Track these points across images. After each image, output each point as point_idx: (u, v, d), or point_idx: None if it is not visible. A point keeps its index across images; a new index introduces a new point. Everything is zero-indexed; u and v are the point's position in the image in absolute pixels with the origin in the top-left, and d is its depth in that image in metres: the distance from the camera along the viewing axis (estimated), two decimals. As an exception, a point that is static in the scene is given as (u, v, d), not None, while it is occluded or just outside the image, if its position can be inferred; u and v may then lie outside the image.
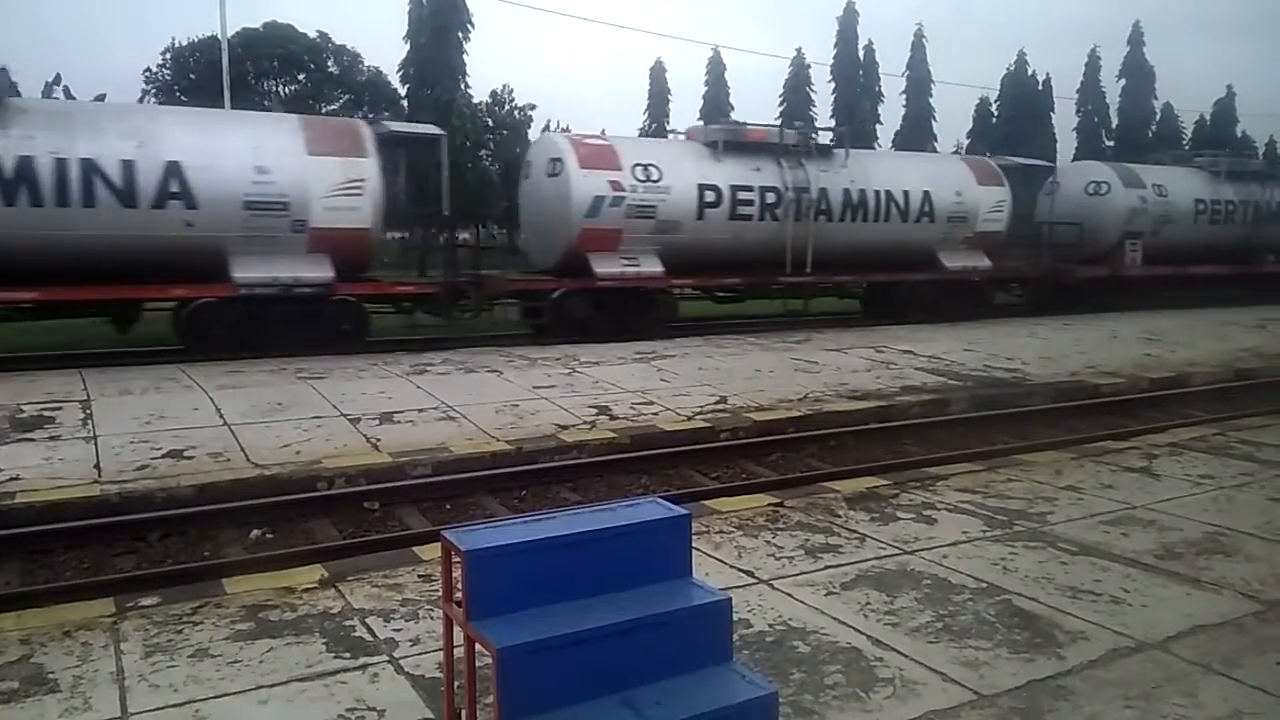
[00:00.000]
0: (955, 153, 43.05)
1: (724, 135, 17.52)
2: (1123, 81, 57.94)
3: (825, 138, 18.90)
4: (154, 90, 39.12)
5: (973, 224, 19.67)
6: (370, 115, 31.49)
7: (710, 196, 16.71)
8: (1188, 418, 11.24)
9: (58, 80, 37.05)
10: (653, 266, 16.36)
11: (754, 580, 5.25)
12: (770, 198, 17.28)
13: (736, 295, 18.42)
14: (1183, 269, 22.97)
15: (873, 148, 42.92)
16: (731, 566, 5.46)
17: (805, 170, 17.66)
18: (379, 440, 8.77)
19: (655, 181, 16.18)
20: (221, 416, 9.34)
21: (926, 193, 19.05)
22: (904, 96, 55.11)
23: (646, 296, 16.57)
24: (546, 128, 39.94)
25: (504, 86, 41.69)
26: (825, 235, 17.77)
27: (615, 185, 15.86)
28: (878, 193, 18.50)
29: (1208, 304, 22.28)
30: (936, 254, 19.35)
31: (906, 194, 18.82)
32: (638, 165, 16.17)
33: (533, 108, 42.31)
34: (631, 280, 16.23)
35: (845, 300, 20.78)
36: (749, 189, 17.10)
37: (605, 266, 15.92)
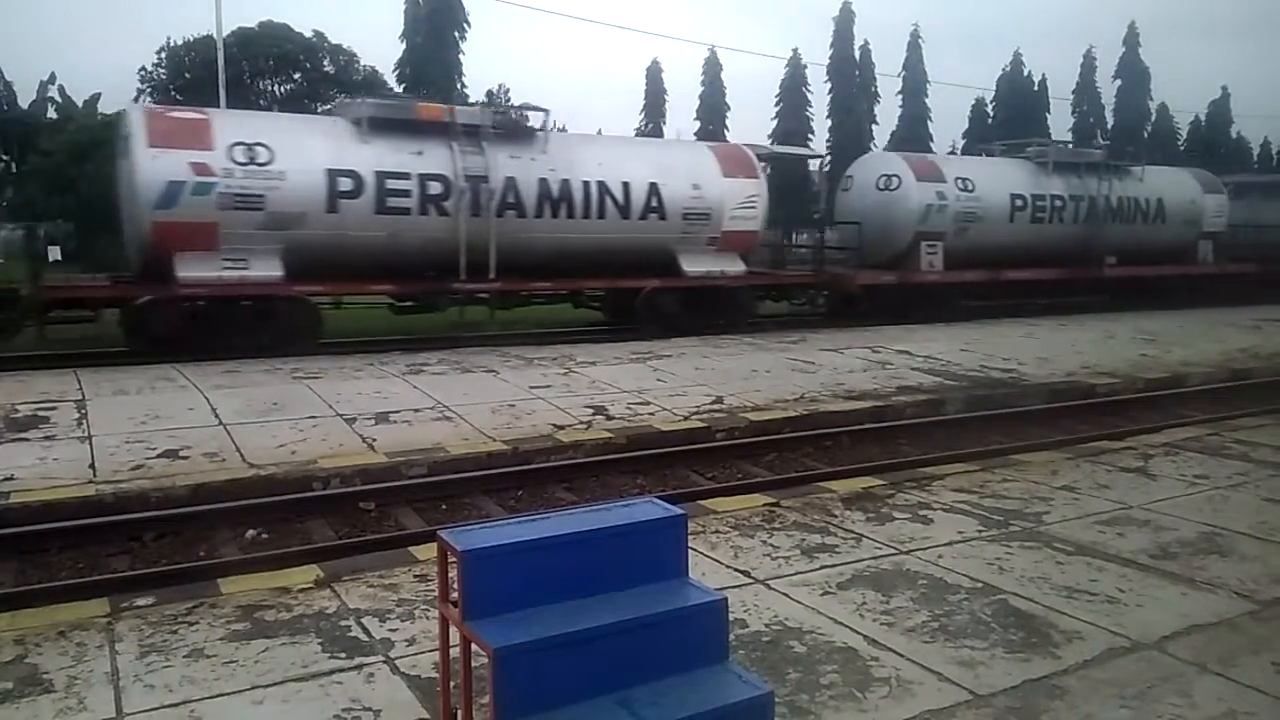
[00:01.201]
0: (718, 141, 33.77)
1: (374, 111, 14.40)
2: (1118, 82, 58.17)
3: (538, 120, 15.84)
4: (149, 90, 39.03)
5: (718, 221, 16.75)
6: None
7: (346, 185, 13.62)
8: (1183, 418, 11.26)
9: (52, 79, 36.94)
10: (269, 270, 13.27)
11: (750, 580, 5.25)
12: (435, 188, 14.20)
13: (419, 305, 15.40)
14: (998, 274, 20.20)
15: (807, 145, 41.01)
16: (727, 566, 5.46)
17: (486, 156, 14.63)
18: (375, 440, 8.76)
19: (263, 165, 13.08)
20: (217, 416, 9.33)
21: (654, 185, 16.10)
22: (900, 97, 55.25)
23: (264, 307, 13.36)
24: (544, 126, 39.89)
25: (500, 86, 41.80)
26: (516, 234, 14.88)
27: (201, 168, 12.71)
28: (586, 184, 15.48)
29: (1039, 314, 20.26)
30: (676, 257, 16.54)
31: (627, 186, 15.84)
32: (238, 144, 13.01)
33: (538, 109, 42.32)
34: (235, 287, 13.11)
35: (596, 310, 17.97)
36: (404, 176, 14.02)
37: (195, 270, 12.85)
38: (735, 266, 17.21)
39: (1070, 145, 26.06)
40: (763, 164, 18.28)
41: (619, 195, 15.83)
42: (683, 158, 17.47)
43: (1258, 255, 25.61)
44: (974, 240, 20.00)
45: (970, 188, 20.04)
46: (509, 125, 15.41)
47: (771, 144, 34.30)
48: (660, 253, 16.42)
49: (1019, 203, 20.70)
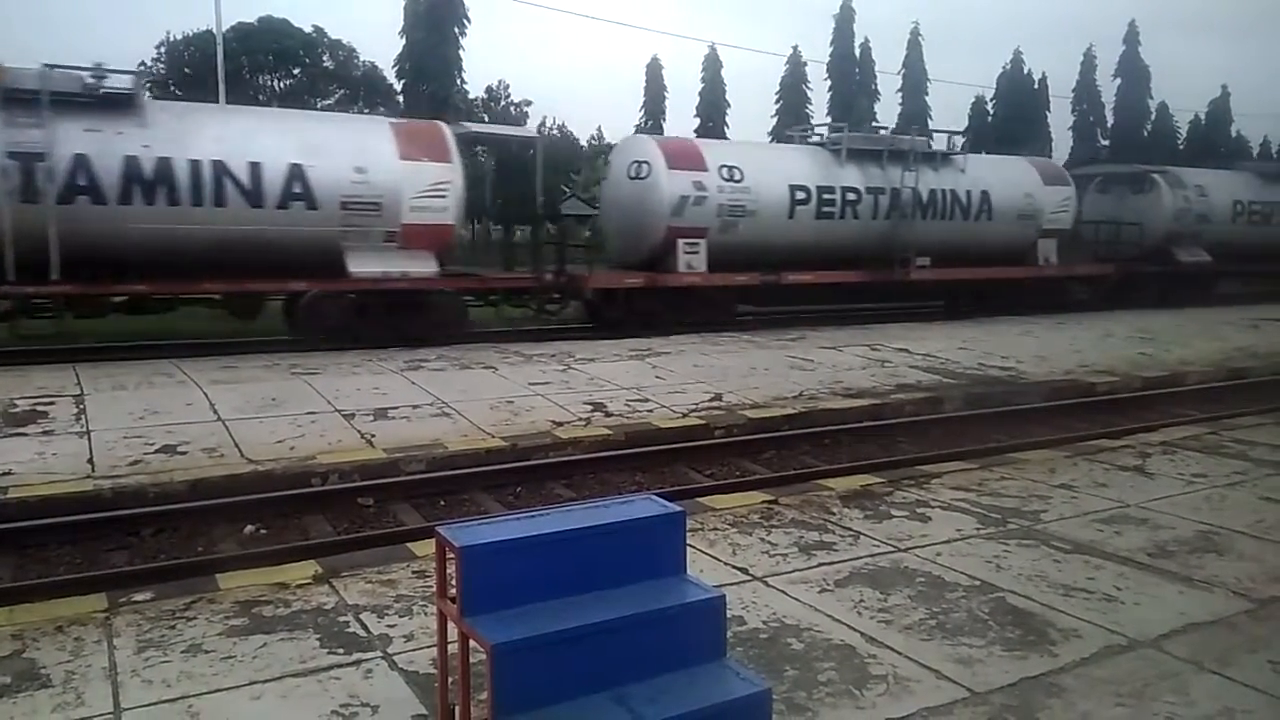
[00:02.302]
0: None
1: None
2: (1118, 81, 58.10)
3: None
4: (148, 85, 38.98)
5: (395, 214, 13.84)
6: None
7: None
8: (1181, 417, 11.27)
9: (51, 74, 36.85)
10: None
11: (748, 577, 5.26)
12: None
13: None
14: (778, 277, 17.58)
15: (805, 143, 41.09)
16: (726, 564, 5.46)
17: (47, 128, 11.92)
18: (373, 436, 8.76)
19: None
20: (215, 412, 9.32)
21: (296, 167, 13.20)
22: (900, 95, 55.18)
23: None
24: (542, 124, 39.89)
25: (500, 82, 41.81)
26: (94, 224, 12.24)
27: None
28: (196, 164, 12.65)
29: (820, 322, 17.89)
30: (344, 255, 13.65)
31: (257, 168, 12.96)
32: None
33: (529, 104, 42.38)
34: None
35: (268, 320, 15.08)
36: None
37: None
38: (424, 267, 14.21)
39: (881, 130, 22.68)
40: (480, 147, 15.83)
41: (244, 178, 12.97)
42: (342, 136, 14.26)
43: (1115, 255, 23.07)
44: (746, 237, 17.36)
45: (738, 177, 17.28)
46: (86, 91, 12.42)
47: (546, 128, 31.86)
48: (320, 250, 13.52)
49: (801, 195, 17.88)
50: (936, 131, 22.96)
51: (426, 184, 14.12)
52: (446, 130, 14.99)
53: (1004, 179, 20.86)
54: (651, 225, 16.90)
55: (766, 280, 17.56)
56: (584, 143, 52.50)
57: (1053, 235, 21.52)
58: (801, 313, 18.57)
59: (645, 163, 17.06)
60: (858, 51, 53.80)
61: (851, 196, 18.51)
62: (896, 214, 18.87)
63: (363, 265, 13.72)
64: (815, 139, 20.56)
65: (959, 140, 21.96)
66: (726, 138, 46.06)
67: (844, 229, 18.50)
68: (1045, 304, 20.66)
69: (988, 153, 26.40)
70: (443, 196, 14.22)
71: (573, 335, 16.11)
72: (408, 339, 13.93)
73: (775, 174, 17.90)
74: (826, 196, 18.23)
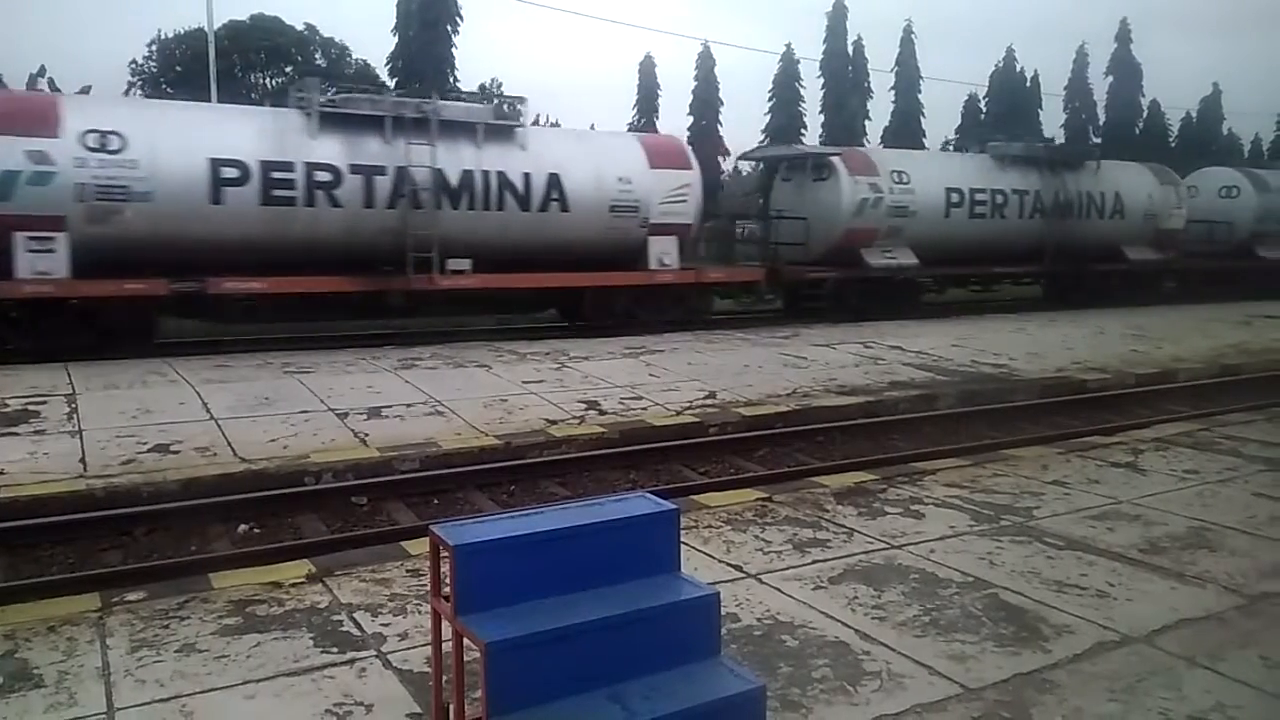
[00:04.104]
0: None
1: None
2: (1110, 78, 58.23)
3: None
4: (140, 82, 38.82)
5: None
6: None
7: None
8: (1173, 413, 11.31)
9: (42, 72, 36.76)
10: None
11: (742, 575, 5.26)
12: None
13: None
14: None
15: (800, 141, 39.96)
16: (720, 561, 5.47)
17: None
18: (367, 435, 8.74)
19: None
20: (208, 411, 9.29)
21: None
22: (893, 92, 55.22)
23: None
24: (536, 121, 39.78)
25: (493, 80, 41.64)
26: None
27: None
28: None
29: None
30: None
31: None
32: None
33: (522, 101, 42.15)
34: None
35: None
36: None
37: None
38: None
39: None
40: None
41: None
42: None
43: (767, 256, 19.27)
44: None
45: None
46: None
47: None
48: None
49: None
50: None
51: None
52: (684, 143, 17.94)
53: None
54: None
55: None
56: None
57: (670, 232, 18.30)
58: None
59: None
60: (851, 49, 53.81)
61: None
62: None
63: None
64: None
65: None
66: (720, 135, 46.32)
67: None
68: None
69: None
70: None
71: (566, 334, 16.09)
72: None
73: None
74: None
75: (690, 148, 18.50)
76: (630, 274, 16.19)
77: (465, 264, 14.48)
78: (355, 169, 13.95)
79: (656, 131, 38.52)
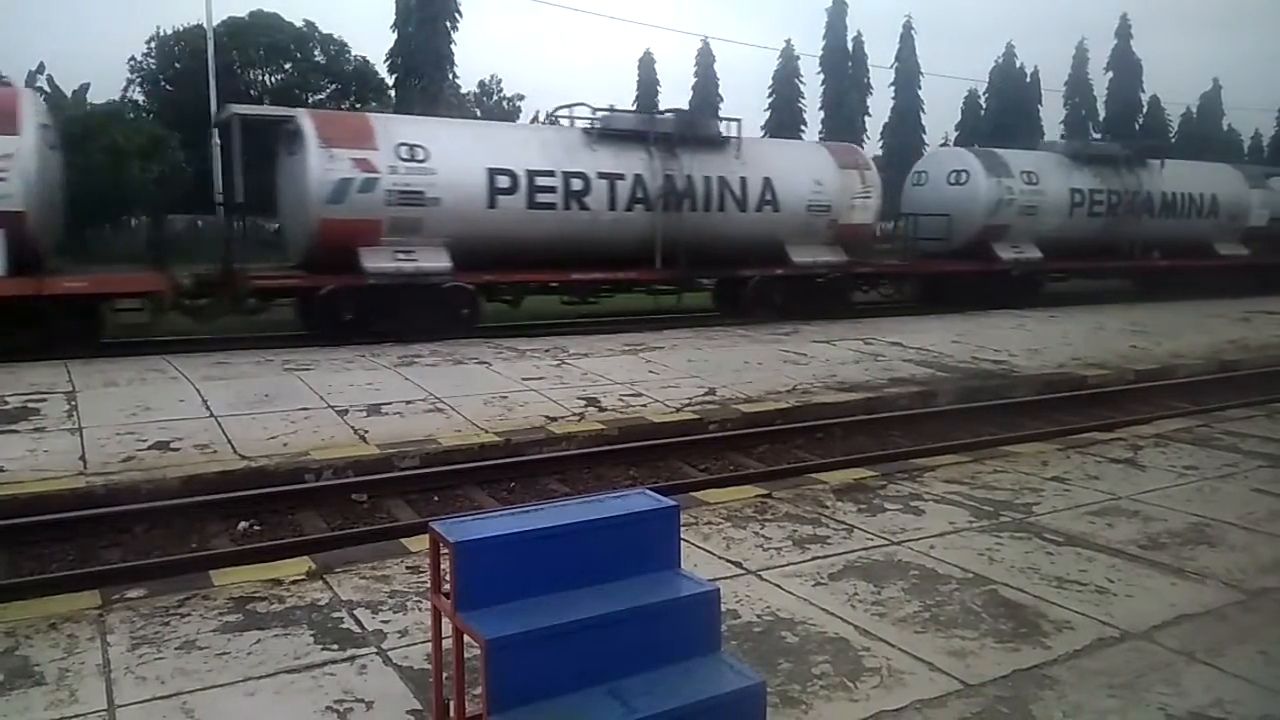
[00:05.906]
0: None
1: None
2: (1110, 74, 58.23)
3: None
4: (139, 79, 38.75)
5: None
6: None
7: None
8: (1173, 409, 11.31)
9: (41, 69, 36.69)
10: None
11: (742, 571, 5.27)
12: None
13: None
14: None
15: (799, 137, 40.62)
16: (720, 557, 5.47)
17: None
18: (367, 432, 8.75)
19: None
20: (208, 408, 9.30)
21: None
22: (893, 88, 55.23)
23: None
24: (535, 118, 39.79)
25: (492, 77, 41.73)
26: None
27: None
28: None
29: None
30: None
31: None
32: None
33: (521, 98, 42.22)
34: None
35: None
36: None
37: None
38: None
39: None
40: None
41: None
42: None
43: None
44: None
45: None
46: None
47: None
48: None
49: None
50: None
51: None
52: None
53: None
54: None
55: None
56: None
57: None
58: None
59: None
60: (850, 45, 53.83)
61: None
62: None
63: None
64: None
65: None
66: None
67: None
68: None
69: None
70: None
71: (566, 330, 16.09)
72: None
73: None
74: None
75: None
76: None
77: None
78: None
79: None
